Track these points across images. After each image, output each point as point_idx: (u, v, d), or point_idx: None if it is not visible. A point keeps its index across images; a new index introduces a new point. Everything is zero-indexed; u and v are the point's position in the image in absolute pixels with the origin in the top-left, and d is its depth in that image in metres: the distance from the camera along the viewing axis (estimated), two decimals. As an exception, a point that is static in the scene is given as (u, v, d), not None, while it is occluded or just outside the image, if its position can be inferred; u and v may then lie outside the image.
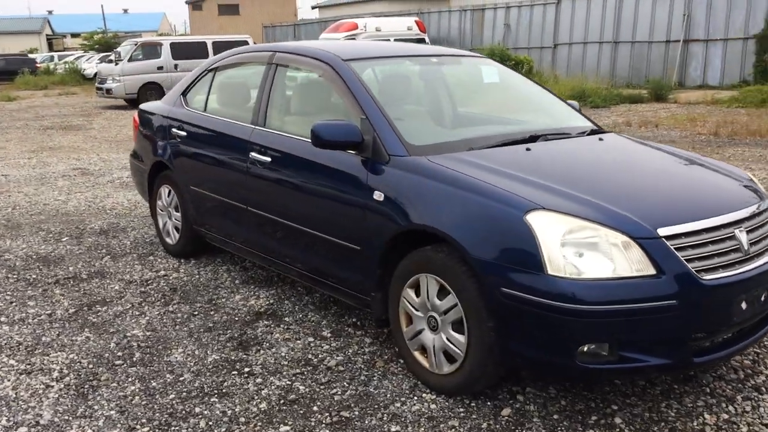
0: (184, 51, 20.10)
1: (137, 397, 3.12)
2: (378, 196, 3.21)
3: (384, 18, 23.91)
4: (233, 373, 3.33)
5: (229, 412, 2.98)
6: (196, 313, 4.08)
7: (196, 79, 4.93)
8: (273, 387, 3.18)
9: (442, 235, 2.91)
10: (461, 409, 2.95)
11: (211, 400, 3.09)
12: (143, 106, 5.61)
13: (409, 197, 3.08)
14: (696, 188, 3.12)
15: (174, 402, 3.07)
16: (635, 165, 3.37)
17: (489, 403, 2.99)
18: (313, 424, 2.88)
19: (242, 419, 2.92)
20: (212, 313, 4.08)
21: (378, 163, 3.28)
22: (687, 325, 2.60)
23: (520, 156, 3.26)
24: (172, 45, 20.07)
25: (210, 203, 4.54)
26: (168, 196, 5.08)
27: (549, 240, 2.59)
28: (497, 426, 2.82)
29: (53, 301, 4.32)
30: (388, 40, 22.67)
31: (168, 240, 5.17)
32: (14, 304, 4.29)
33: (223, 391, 3.16)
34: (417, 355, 3.17)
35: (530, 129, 3.66)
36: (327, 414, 2.95)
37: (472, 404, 2.99)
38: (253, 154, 4.02)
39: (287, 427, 2.85)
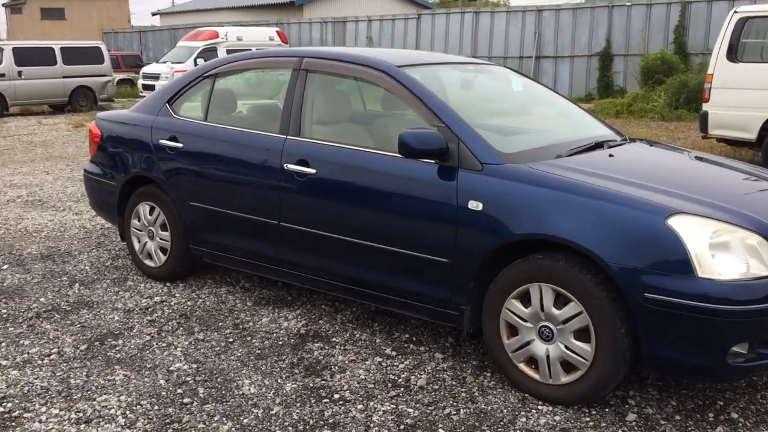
0: (28, 57, 18.42)
1: (241, 438, 2.80)
2: (474, 205, 3.13)
3: (245, 27, 23.39)
4: (325, 401, 3.09)
5: (355, 443, 2.76)
6: (231, 340, 3.73)
7: (186, 85, 4.51)
8: (380, 412, 2.99)
9: (565, 244, 2.89)
10: (587, 419, 2.94)
11: (325, 432, 2.84)
12: (105, 115, 5.07)
13: (519, 206, 3.03)
14: None
15: (286, 439, 2.79)
16: (711, 169, 3.56)
17: (607, 410, 3.01)
18: (453, 447, 2.74)
19: (375, 450, 2.72)
20: (249, 339, 3.75)
21: (469, 171, 3.19)
22: (809, 318, 2.78)
23: (612, 162, 3.34)
24: (15, 50, 18.27)
25: (220, 220, 4.18)
26: (150, 214, 4.61)
27: (697, 243, 2.66)
28: None
29: (51, 338, 3.76)
30: (250, 49, 22.28)
31: (149, 263, 4.69)
32: (4, 344, 3.68)
33: (330, 421, 2.92)
34: (523, 367, 3.12)
35: (590, 136, 3.74)
36: (460, 435, 2.81)
37: (593, 412, 2.99)
38: (289, 165, 3.76)
39: (431, 454, 2.69)
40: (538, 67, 20.85)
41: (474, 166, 3.19)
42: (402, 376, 3.33)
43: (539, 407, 3.03)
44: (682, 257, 2.66)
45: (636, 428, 2.87)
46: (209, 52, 21.64)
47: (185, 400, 3.09)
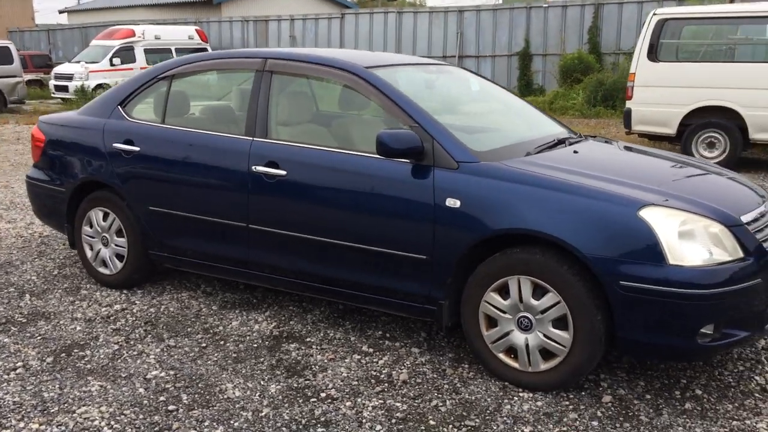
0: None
1: (235, 441, 2.79)
2: (452, 203, 3.22)
3: (163, 26, 22.80)
4: (312, 400, 3.11)
5: (351, 439, 2.80)
6: (204, 345, 3.69)
7: (139, 87, 4.41)
8: (369, 408, 3.04)
9: (544, 237, 3.02)
10: (567, 402, 3.09)
11: (319, 430, 2.87)
12: (48, 119, 4.88)
13: (497, 202, 3.13)
14: (723, 182, 3.57)
15: (281, 439, 2.80)
16: (664, 162, 3.77)
17: (584, 394, 3.17)
18: (447, 437, 2.82)
19: (371, 445, 2.77)
20: (222, 343, 3.72)
21: (444, 170, 3.28)
22: (766, 298, 3.01)
23: (578, 159, 3.50)
24: None
25: (182, 224, 4.12)
26: (104, 220, 4.48)
27: (667, 232, 2.84)
28: (610, 412, 3.01)
29: (12, 351, 3.62)
30: (170, 49, 21.74)
31: (103, 270, 4.55)
32: (-38, 360, 3.52)
33: (322, 419, 2.95)
34: (502, 356, 3.24)
35: (550, 133, 3.90)
36: (452, 426, 2.90)
37: (571, 396, 3.14)
38: (257, 167, 3.75)
39: (426, 445, 2.77)
40: (461, 66, 21.22)
41: (449, 165, 3.28)
42: (383, 371, 3.38)
43: (520, 394, 3.15)
44: (654, 246, 2.84)
45: (613, 408, 3.04)
46: (125, 51, 21.03)
47: (170, 408, 3.04)
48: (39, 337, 3.80)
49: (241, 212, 3.85)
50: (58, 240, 5.71)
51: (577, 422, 2.92)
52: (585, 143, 3.91)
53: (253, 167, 3.77)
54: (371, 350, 3.62)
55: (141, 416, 2.97)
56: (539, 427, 2.89)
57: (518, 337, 3.17)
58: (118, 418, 2.96)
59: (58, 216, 4.75)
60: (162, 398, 3.13)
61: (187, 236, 4.14)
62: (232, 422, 2.93)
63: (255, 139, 3.83)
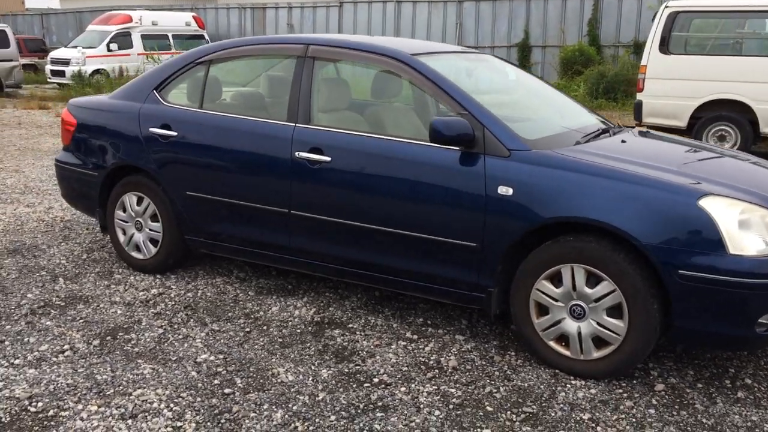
0: None
1: (297, 425, 2.79)
2: (504, 191, 3.23)
3: (160, 12, 22.63)
4: (366, 385, 3.12)
5: (413, 423, 2.81)
6: (248, 330, 3.69)
7: (175, 72, 4.38)
8: (425, 394, 3.06)
9: (602, 226, 3.03)
10: (620, 390, 3.11)
11: (378, 414, 2.88)
12: (79, 102, 4.84)
13: (553, 190, 3.14)
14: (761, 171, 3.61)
15: (344, 423, 2.81)
16: (705, 153, 3.78)
17: (635, 382, 3.20)
18: (507, 423, 2.84)
19: (434, 429, 2.78)
20: (266, 328, 3.72)
21: (496, 157, 3.29)
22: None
23: (627, 148, 3.52)
24: None
25: (221, 209, 4.10)
26: (138, 204, 4.46)
27: (727, 222, 2.87)
28: (665, 400, 3.04)
29: (56, 335, 3.60)
30: (167, 35, 21.60)
31: (136, 255, 4.54)
32: (8, 343, 3.50)
33: (379, 404, 2.96)
34: (553, 344, 3.26)
35: (592, 123, 3.92)
36: (510, 412, 2.92)
37: (623, 384, 3.17)
38: (301, 153, 3.74)
39: (489, 430, 2.79)
40: (459, 56, 21.20)
41: (501, 153, 3.29)
42: (431, 358, 3.40)
43: (572, 382, 3.18)
44: (715, 236, 2.86)
45: (666, 397, 3.07)
46: (122, 37, 20.88)
47: (226, 391, 3.05)
48: (81, 321, 3.78)
49: (283, 198, 3.84)
50: (81, 224, 5.68)
51: (634, 410, 2.95)
52: (627, 133, 3.93)
53: (297, 153, 3.76)
54: (415, 337, 3.63)
55: (199, 399, 2.98)
56: (597, 414, 2.92)
57: (570, 325, 3.19)
58: (176, 400, 2.96)
59: (88, 200, 4.73)
60: (216, 381, 3.13)
61: (226, 222, 4.12)
62: (290, 405, 2.94)
63: (297, 125, 3.82)
